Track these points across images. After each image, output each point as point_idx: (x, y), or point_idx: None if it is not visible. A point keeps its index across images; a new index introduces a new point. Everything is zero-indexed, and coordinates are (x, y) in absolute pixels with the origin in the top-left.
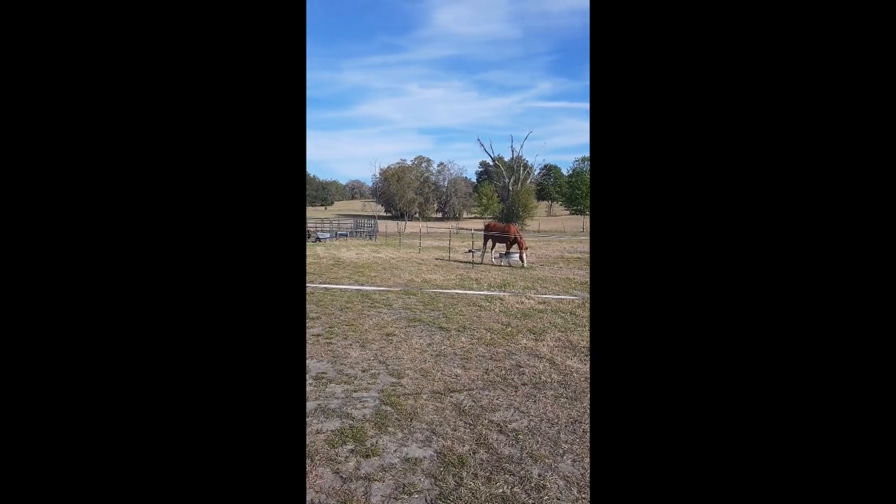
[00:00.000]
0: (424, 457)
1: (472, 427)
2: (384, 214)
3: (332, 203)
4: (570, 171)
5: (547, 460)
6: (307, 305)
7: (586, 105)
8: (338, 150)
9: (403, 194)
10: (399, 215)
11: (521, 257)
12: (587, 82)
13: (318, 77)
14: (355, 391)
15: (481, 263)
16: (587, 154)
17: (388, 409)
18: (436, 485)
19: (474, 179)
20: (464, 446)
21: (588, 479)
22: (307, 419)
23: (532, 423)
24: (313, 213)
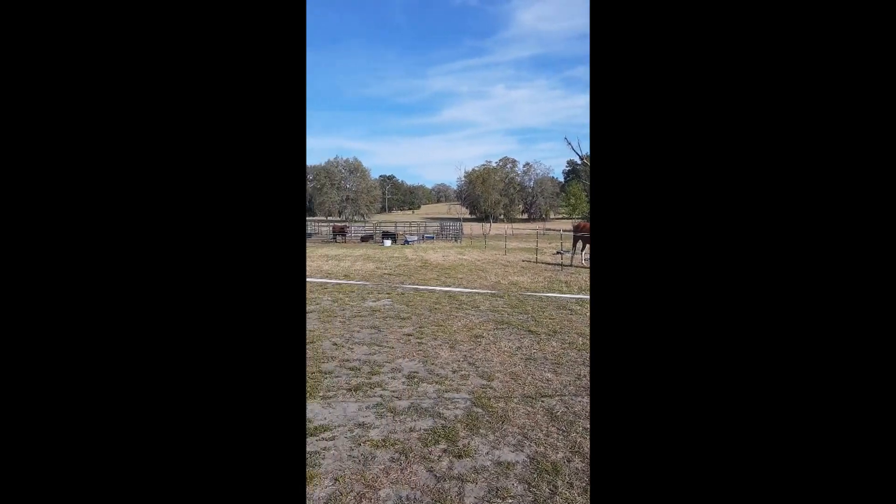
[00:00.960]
0: (517, 461)
1: (565, 434)
2: (469, 217)
3: (419, 207)
4: None
5: None
6: (398, 305)
7: None
8: (424, 156)
9: (488, 196)
10: (484, 217)
11: None
12: None
13: (404, 85)
14: (446, 391)
15: (570, 265)
16: None
17: (479, 410)
18: (529, 491)
19: (561, 179)
20: (557, 453)
21: None
22: (401, 416)
23: None
24: (402, 217)
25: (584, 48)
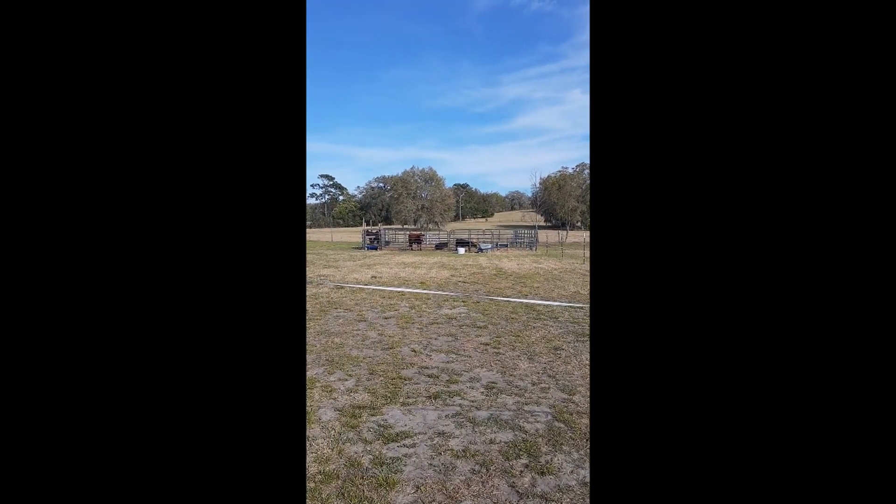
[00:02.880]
0: None
1: None
2: (543, 224)
3: (492, 214)
4: None
5: None
6: (473, 314)
7: None
8: (498, 163)
9: (564, 203)
10: (560, 224)
11: None
12: None
13: (478, 94)
14: (526, 404)
15: None
16: None
17: (561, 426)
18: None
19: None
20: None
21: None
22: (480, 427)
23: None
24: (475, 225)
25: None
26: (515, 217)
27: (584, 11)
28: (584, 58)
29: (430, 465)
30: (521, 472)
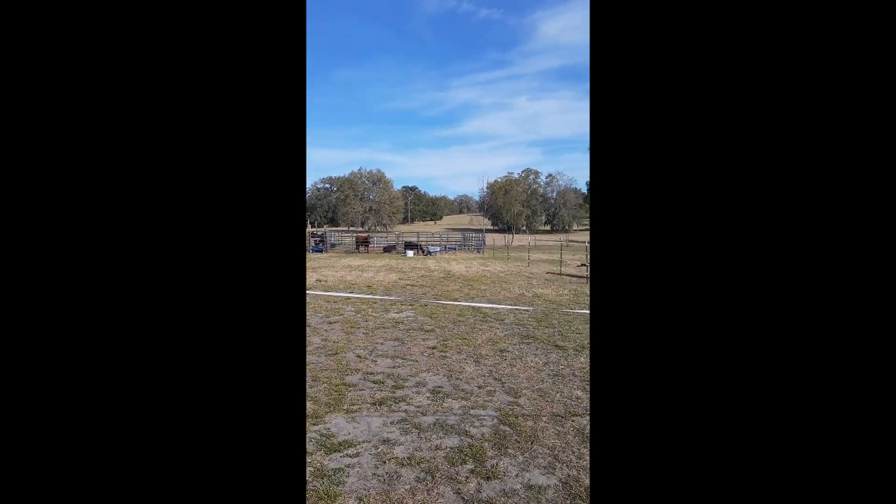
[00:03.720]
0: (549, 485)
1: None
2: (491, 227)
3: (441, 217)
4: None
5: None
6: (421, 317)
7: None
8: (447, 167)
9: (510, 207)
10: (506, 228)
11: None
12: None
13: (429, 98)
14: (472, 408)
15: None
16: None
17: (507, 429)
18: None
19: (585, 190)
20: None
21: None
22: (426, 433)
23: None
24: (424, 228)
25: None
26: (464, 220)
27: (532, 20)
28: (530, 65)
29: (374, 474)
30: (467, 477)
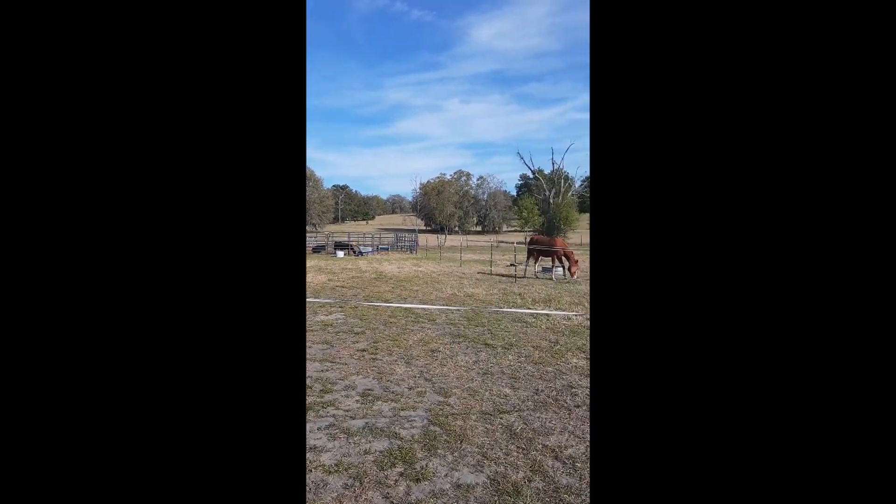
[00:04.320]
0: (477, 483)
1: (525, 452)
2: (424, 228)
3: (374, 217)
4: None
5: None
6: (351, 319)
7: None
8: (379, 167)
9: (443, 208)
10: (439, 229)
11: (569, 271)
12: None
13: (362, 96)
14: (402, 409)
15: (524, 277)
16: None
17: (437, 429)
18: None
19: (514, 193)
20: (518, 473)
21: None
22: (355, 438)
23: (589, 450)
24: (356, 228)
25: (539, 67)
26: (396, 220)
27: (465, 24)
28: (462, 69)
29: None
30: (396, 481)
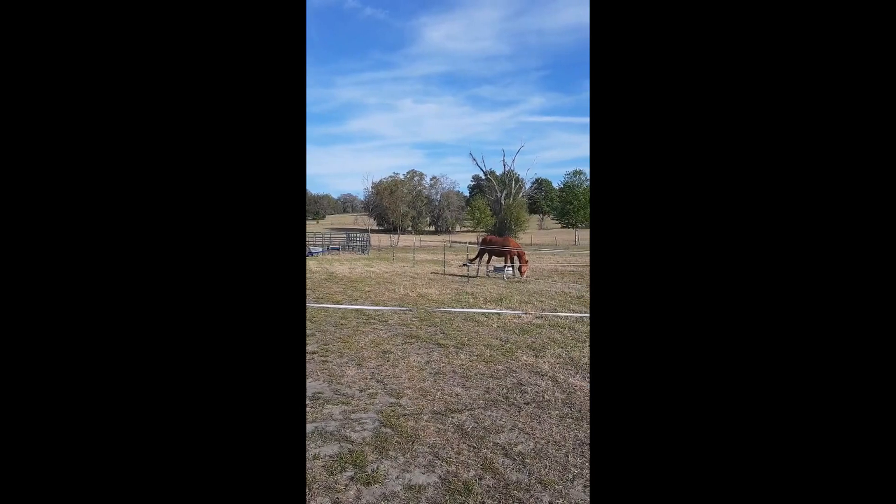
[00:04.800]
0: (428, 483)
1: (476, 450)
2: (376, 228)
3: (324, 217)
4: (562, 185)
5: (557, 486)
6: None
7: (577, 119)
8: (331, 165)
9: (396, 208)
10: (392, 229)
11: (519, 270)
12: (579, 97)
13: (313, 94)
14: (353, 412)
15: (476, 276)
16: (578, 167)
17: (388, 431)
18: None
19: (466, 193)
20: (469, 472)
21: None
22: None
23: (538, 446)
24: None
25: (489, 69)
26: (348, 220)
27: (417, 24)
28: (415, 69)
29: None
30: (346, 485)
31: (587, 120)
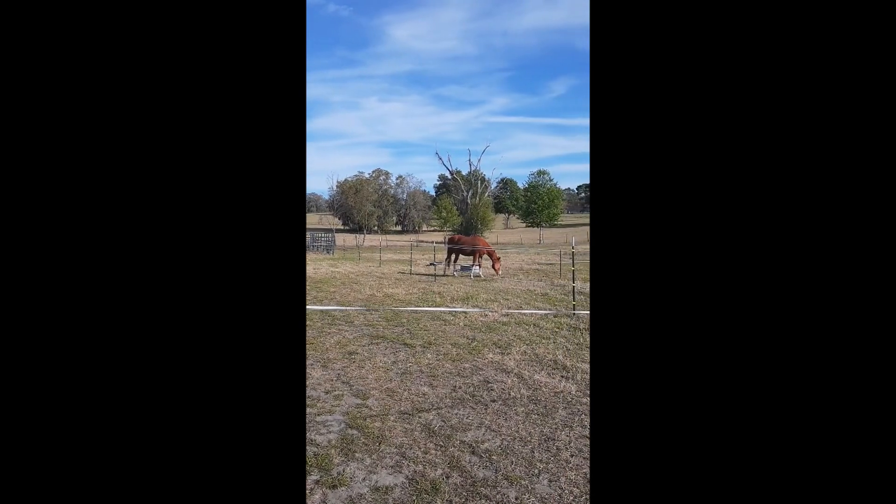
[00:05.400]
0: (395, 484)
1: (443, 449)
2: (342, 227)
3: None
4: (526, 185)
5: (523, 482)
6: None
7: (541, 120)
8: None
9: (361, 207)
10: (357, 228)
11: (493, 268)
12: (543, 97)
13: None
14: (319, 414)
15: (444, 275)
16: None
17: (355, 432)
18: None
19: (433, 193)
20: (436, 470)
21: (565, 500)
22: None
23: (504, 443)
24: None
25: (454, 69)
26: (313, 220)
27: (382, 23)
28: (380, 67)
29: None
30: (312, 489)
31: (551, 121)
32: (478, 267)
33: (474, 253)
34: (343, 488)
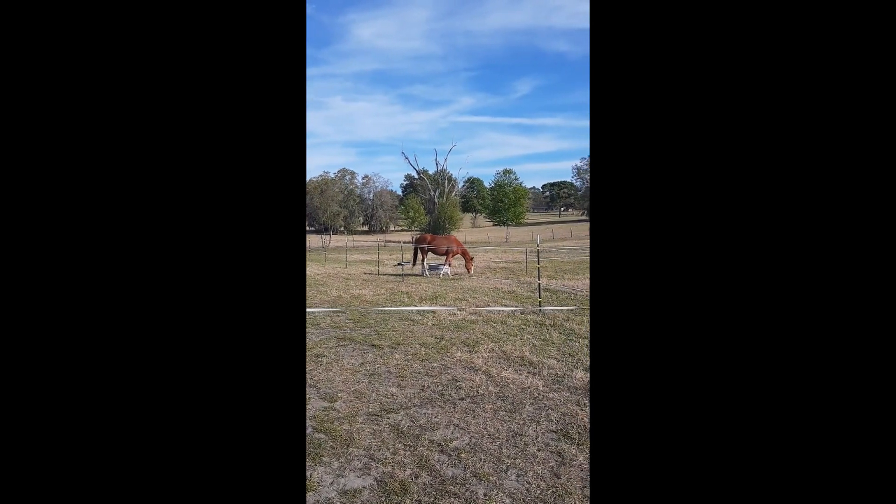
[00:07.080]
0: (364, 487)
1: (412, 449)
2: (307, 229)
3: None
4: (493, 184)
5: (491, 478)
6: None
7: (506, 119)
8: None
9: (327, 207)
10: (323, 229)
11: (466, 267)
12: (507, 97)
13: None
14: None
15: (412, 275)
16: (508, 167)
17: (322, 436)
18: None
19: (400, 192)
20: (405, 471)
21: (533, 494)
22: None
23: (473, 440)
24: None
25: (420, 69)
26: None
27: (346, 21)
28: (345, 66)
29: None
30: None
31: (516, 120)
32: (447, 266)
33: (448, 252)
34: (310, 493)
